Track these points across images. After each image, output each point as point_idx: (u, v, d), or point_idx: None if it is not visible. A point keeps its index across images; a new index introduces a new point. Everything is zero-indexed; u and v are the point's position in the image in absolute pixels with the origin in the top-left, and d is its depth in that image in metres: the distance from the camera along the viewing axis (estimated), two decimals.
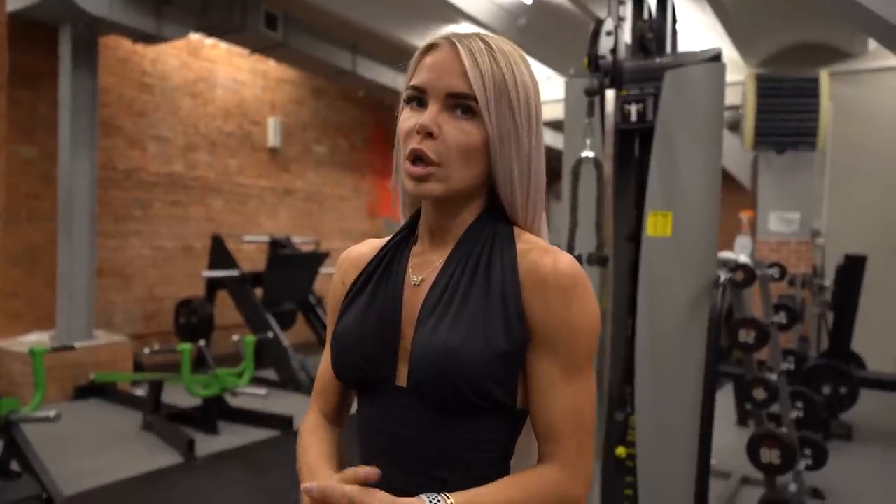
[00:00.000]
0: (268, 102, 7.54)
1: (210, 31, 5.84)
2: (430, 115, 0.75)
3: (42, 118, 5.23)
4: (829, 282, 5.81)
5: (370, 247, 0.91)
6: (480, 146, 0.75)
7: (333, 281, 0.94)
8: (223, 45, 6.80)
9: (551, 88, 8.81)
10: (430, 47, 0.78)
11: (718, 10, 5.57)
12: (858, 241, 6.51)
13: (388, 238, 0.89)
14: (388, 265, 0.85)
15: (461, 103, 0.75)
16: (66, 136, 4.98)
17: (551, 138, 11.02)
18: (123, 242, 6.13)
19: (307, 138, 8.07)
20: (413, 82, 0.78)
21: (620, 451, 2.51)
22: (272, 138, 7.50)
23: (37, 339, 5.01)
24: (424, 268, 0.82)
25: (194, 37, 6.42)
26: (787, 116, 5.98)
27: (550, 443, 0.76)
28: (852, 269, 4.75)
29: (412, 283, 0.82)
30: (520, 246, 0.79)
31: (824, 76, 5.87)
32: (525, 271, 0.76)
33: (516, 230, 0.81)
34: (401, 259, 0.84)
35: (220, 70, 6.95)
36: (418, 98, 0.77)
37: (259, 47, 6.20)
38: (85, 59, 5.04)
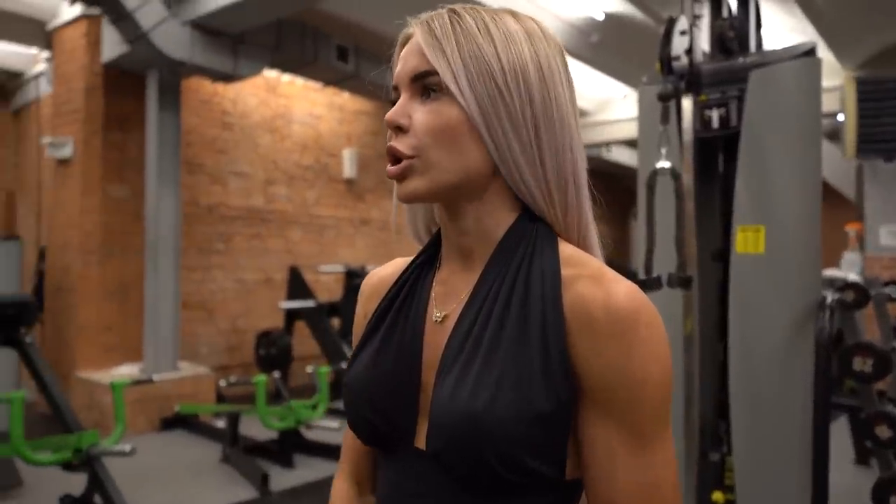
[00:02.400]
0: (343, 135, 7.68)
1: (284, 67, 6.01)
2: (397, 106, 0.65)
3: (132, 159, 5.51)
4: None
5: (394, 268, 0.78)
6: (460, 125, 0.62)
7: (357, 312, 0.80)
8: (299, 81, 6.99)
9: (627, 106, 8.54)
10: (407, 37, 0.68)
11: (809, 10, 5.18)
12: None
13: (414, 256, 0.75)
14: (408, 294, 0.70)
15: (427, 83, 0.63)
16: (152, 174, 5.21)
17: (629, 157, 10.67)
18: (207, 276, 6.32)
19: (382, 168, 8.14)
20: (392, 81, 0.68)
21: (717, 496, 2.24)
22: (348, 169, 7.62)
23: (127, 371, 5.20)
24: (449, 299, 0.67)
25: (271, 74, 6.63)
26: (893, 120, 5.46)
27: None
28: None
29: (434, 318, 0.67)
30: (566, 271, 0.62)
31: None
32: (571, 307, 0.60)
33: (561, 245, 0.65)
34: (423, 287, 0.70)
35: (296, 105, 7.15)
36: (395, 99, 0.67)
37: (331, 80, 6.32)
38: (170, 101, 5.29)
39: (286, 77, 6.82)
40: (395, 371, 0.66)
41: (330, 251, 7.43)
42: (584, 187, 0.67)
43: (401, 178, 0.64)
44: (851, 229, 4.59)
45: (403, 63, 0.66)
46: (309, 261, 7.02)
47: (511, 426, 0.56)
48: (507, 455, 0.56)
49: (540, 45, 0.65)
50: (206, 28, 4.87)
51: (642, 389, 0.57)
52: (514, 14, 0.67)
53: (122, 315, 5.45)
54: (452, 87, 0.62)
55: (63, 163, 5.48)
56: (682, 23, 2.00)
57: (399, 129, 0.64)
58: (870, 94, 5.39)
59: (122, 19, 4.60)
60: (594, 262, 0.63)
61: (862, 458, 4.17)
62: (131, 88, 5.45)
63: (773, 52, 2.16)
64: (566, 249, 0.65)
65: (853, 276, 2.83)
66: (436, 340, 0.65)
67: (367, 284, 0.80)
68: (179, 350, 5.48)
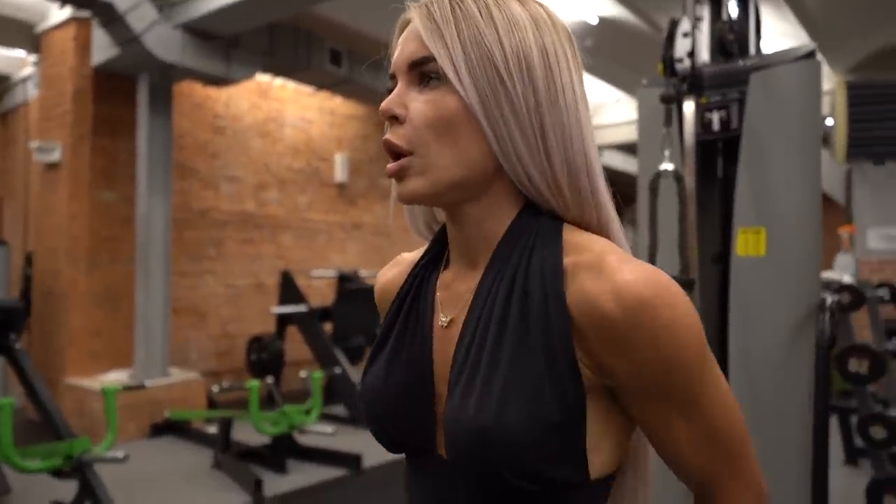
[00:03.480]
0: (335, 139, 7.65)
1: (277, 71, 5.98)
2: (393, 94, 0.61)
3: (122, 163, 5.45)
4: None
5: (400, 269, 0.75)
6: (458, 116, 0.58)
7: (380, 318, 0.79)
8: (291, 85, 6.97)
9: (621, 110, 8.58)
10: (406, 23, 0.64)
11: (801, 15, 5.22)
12: None
13: (421, 252, 0.72)
14: (414, 299, 0.68)
15: (425, 70, 0.60)
16: (143, 180, 5.16)
17: (622, 162, 10.71)
18: (198, 281, 6.27)
19: (374, 172, 8.12)
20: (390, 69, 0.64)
21: None
22: (340, 174, 7.59)
23: (116, 377, 5.13)
24: (453, 303, 0.64)
25: (263, 78, 6.60)
26: (883, 125, 5.52)
27: (704, 484, 0.61)
28: None
29: (441, 324, 0.64)
30: (567, 259, 0.58)
31: None
32: (577, 305, 0.55)
33: (566, 230, 0.61)
34: (428, 290, 0.67)
35: (288, 109, 7.12)
36: (392, 87, 0.63)
37: (325, 84, 6.30)
38: (161, 105, 5.24)
39: (278, 81, 6.79)
40: (407, 383, 0.64)
41: (322, 256, 7.39)
42: (598, 175, 0.62)
43: (399, 177, 0.61)
44: (844, 232, 4.64)
45: (401, 49, 0.62)
46: (301, 266, 6.97)
47: (520, 437, 0.54)
48: (524, 467, 0.55)
49: (546, 31, 0.61)
50: (199, 31, 4.83)
51: (678, 371, 0.55)
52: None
53: (110, 321, 5.39)
54: (451, 74, 0.58)
55: (51, 167, 5.42)
56: (685, 25, 2.00)
57: (395, 120, 0.60)
58: (860, 99, 5.46)
59: (113, 22, 4.55)
60: (596, 245, 0.59)
61: (851, 458, 4.20)
62: (121, 92, 5.39)
63: (774, 54, 2.16)
64: (572, 236, 0.60)
65: (847, 279, 2.85)
66: (444, 347, 0.63)
67: (378, 289, 0.78)
68: (170, 356, 5.42)
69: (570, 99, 0.61)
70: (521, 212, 0.62)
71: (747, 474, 0.61)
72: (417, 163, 0.60)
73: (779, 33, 5.84)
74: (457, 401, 0.57)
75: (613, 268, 0.55)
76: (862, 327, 4.18)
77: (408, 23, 0.64)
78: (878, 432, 2.61)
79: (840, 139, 5.51)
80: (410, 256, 0.75)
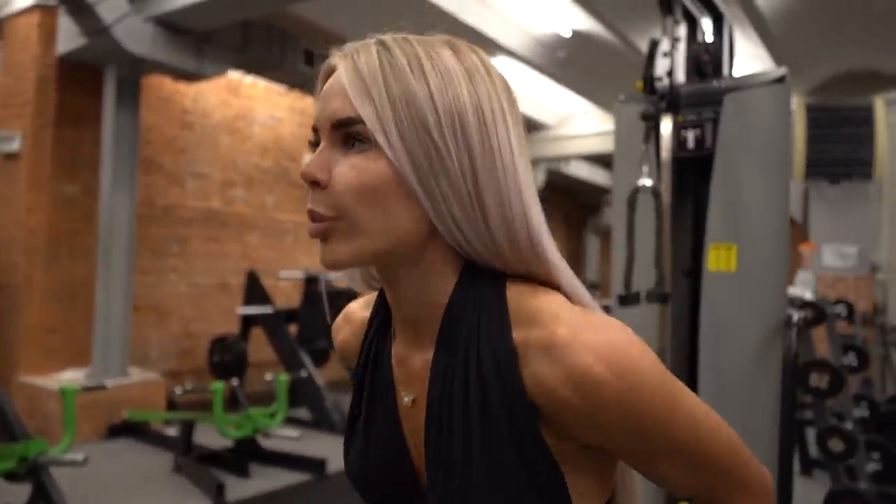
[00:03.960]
0: (304, 138, 7.58)
1: (249, 68, 5.90)
2: (315, 157, 0.57)
3: (85, 156, 5.29)
4: (894, 320, 5.45)
5: (351, 328, 0.75)
6: (387, 182, 0.55)
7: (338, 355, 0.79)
8: (262, 84, 6.88)
9: (589, 121, 8.71)
10: (330, 70, 0.60)
11: (765, 37, 5.40)
12: None
13: (367, 308, 0.72)
14: (373, 371, 0.67)
15: (351, 132, 0.56)
16: (107, 174, 5.03)
17: (588, 172, 10.86)
18: (160, 279, 6.13)
19: None
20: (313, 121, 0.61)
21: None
22: None
23: (72, 376, 4.98)
24: (411, 381, 0.64)
25: (234, 75, 6.50)
26: (839, 146, 5.73)
27: (708, 501, 0.62)
28: None
29: (405, 402, 0.64)
30: (518, 336, 0.55)
31: (879, 103, 5.63)
32: (536, 393, 0.54)
33: (511, 294, 0.58)
34: (384, 362, 0.66)
35: (258, 107, 7.02)
36: (315, 141, 0.60)
37: (297, 83, 6.23)
38: (128, 98, 5.11)
39: (249, 78, 6.70)
40: (385, 465, 0.65)
41: (288, 257, 7.30)
42: (539, 230, 0.59)
43: (323, 239, 0.57)
44: (805, 249, 4.82)
45: (323, 104, 0.58)
46: (267, 266, 6.88)
47: None
48: None
49: (481, 85, 0.57)
50: (171, 25, 4.73)
51: (650, 426, 0.55)
52: (453, 46, 0.59)
53: (68, 317, 5.22)
54: (381, 140, 0.54)
55: (10, 157, 5.23)
56: (665, 45, 2.05)
57: (317, 185, 0.57)
58: (818, 121, 5.66)
59: (82, 12, 4.43)
60: (545, 310, 0.56)
61: (806, 469, 4.33)
62: (87, 82, 5.24)
63: (747, 77, 2.24)
64: (518, 301, 0.58)
65: (808, 295, 2.95)
66: (412, 422, 0.63)
67: (338, 348, 0.78)
68: (129, 355, 5.28)
69: (507, 157, 0.57)
70: (461, 276, 0.59)
71: (747, 482, 0.62)
72: (342, 226, 0.56)
73: (744, 54, 6.01)
74: (439, 491, 0.58)
75: (564, 349, 0.53)
76: (818, 341, 4.33)
77: (332, 70, 0.60)
78: (836, 445, 2.71)
79: (798, 158, 5.70)
80: (359, 314, 0.75)
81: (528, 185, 0.59)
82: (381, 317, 0.68)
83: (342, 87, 0.56)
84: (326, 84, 0.59)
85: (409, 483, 0.64)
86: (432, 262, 0.59)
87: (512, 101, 0.60)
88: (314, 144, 0.60)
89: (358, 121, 0.55)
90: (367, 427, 0.66)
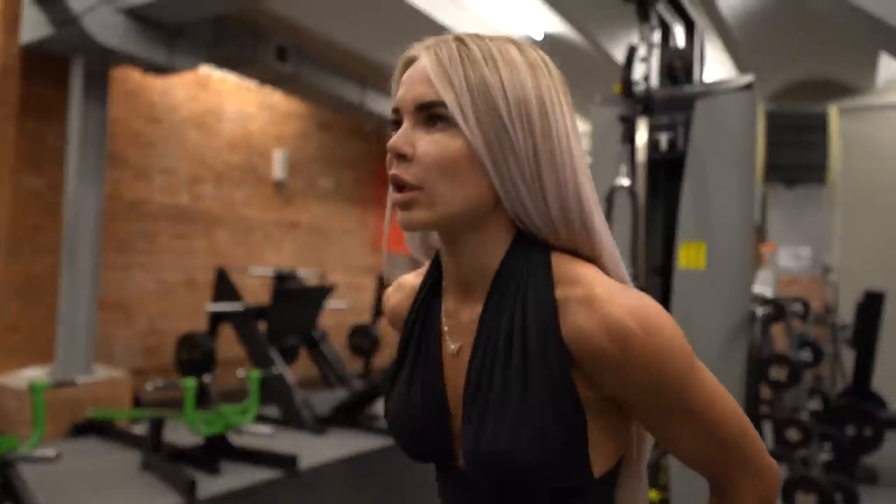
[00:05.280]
0: (274, 135, 7.53)
1: (221, 63, 5.84)
2: (400, 134, 0.66)
3: (50, 149, 5.17)
4: (843, 319, 5.70)
5: (402, 294, 0.82)
6: (464, 158, 0.64)
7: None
8: (231, 79, 6.81)
9: None
10: (409, 61, 0.70)
11: (728, 44, 5.59)
12: (871, 278, 6.42)
13: (422, 274, 0.79)
14: (423, 324, 0.75)
15: (433, 113, 0.65)
16: (73, 167, 4.92)
17: None
18: (126, 275, 6.02)
19: (313, 171, 8.03)
20: (393, 104, 0.69)
21: (653, 494, 2.38)
22: (278, 171, 7.47)
23: (33, 374, 4.86)
24: (459, 332, 0.71)
25: (203, 70, 6.42)
26: (795, 151, 5.96)
27: (714, 476, 0.70)
28: (872, 305, 4.64)
29: (450, 351, 0.71)
30: (559, 292, 0.64)
31: (833, 111, 5.88)
32: (572, 339, 0.62)
33: (555, 260, 0.67)
34: (433, 318, 0.74)
35: (227, 103, 6.95)
36: (396, 120, 0.69)
37: (269, 79, 6.19)
38: (96, 91, 5.01)
39: (218, 73, 6.63)
40: (424, 406, 0.71)
41: (257, 254, 7.25)
42: (591, 209, 0.67)
43: (405, 207, 0.66)
44: (767, 250, 5.01)
45: (407, 89, 0.66)
46: (235, 262, 6.81)
47: (532, 458, 0.62)
48: (539, 481, 0.63)
49: (542, 78, 0.66)
50: (142, 17, 4.66)
51: (670, 386, 0.62)
52: (517, 44, 0.68)
53: (30, 314, 5.09)
54: (460, 121, 0.63)
55: None
56: (642, 51, 2.14)
57: (403, 157, 0.65)
58: (777, 127, 5.87)
59: (50, 1, 4.34)
60: (586, 276, 0.64)
61: None
62: (53, 73, 5.12)
63: (717, 83, 2.35)
64: (562, 267, 0.66)
65: (769, 294, 3.09)
66: (455, 373, 0.70)
67: (387, 312, 0.85)
68: (94, 352, 5.18)
69: (564, 142, 0.66)
70: (514, 243, 0.67)
71: (755, 466, 0.68)
72: (424, 196, 0.65)
73: (709, 60, 6.21)
74: (474, 427, 0.65)
75: (602, 302, 0.61)
76: (775, 337, 4.52)
77: (410, 61, 0.69)
78: (793, 435, 2.85)
79: (758, 163, 5.92)
80: (410, 281, 0.82)
81: (582, 167, 0.68)
82: (434, 278, 0.76)
83: (426, 75, 0.65)
84: (407, 72, 0.68)
85: (443, 423, 0.70)
86: (492, 230, 0.68)
87: (567, 93, 0.69)
88: (395, 123, 0.68)
89: (440, 104, 0.64)
90: (411, 372, 0.73)
